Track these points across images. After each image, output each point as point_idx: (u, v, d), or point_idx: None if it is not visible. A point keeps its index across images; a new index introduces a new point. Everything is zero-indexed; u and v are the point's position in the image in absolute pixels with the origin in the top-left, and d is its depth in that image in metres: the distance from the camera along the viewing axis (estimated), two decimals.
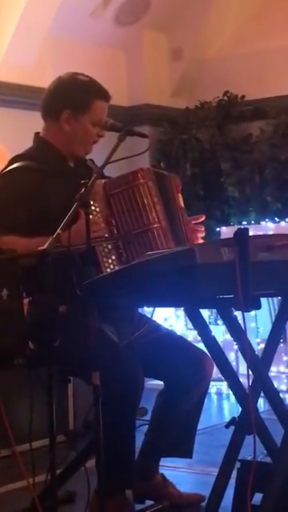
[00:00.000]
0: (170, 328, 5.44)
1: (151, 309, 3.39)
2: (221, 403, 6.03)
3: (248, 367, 2.77)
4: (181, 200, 3.28)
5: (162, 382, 3.47)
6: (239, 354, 5.59)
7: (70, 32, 7.43)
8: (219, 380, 5.54)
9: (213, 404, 5.93)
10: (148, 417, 3.54)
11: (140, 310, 3.55)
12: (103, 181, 3.16)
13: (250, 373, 2.80)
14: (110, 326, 3.16)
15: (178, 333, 4.97)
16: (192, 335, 5.71)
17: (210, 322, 5.72)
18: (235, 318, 2.87)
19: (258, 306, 2.58)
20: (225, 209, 7.71)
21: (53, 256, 2.58)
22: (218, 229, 6.68)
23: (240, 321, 2.77)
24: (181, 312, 6.43)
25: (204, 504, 3.16)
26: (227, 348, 5.67)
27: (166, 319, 6.56)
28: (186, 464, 4.01)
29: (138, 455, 3.40)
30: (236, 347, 5.76)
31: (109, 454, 2.73)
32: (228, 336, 5.68)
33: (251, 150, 7.71)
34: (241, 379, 2.99)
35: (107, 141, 3.28)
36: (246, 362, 2.79)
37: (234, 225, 7.25)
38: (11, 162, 3.32)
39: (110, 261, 3.07)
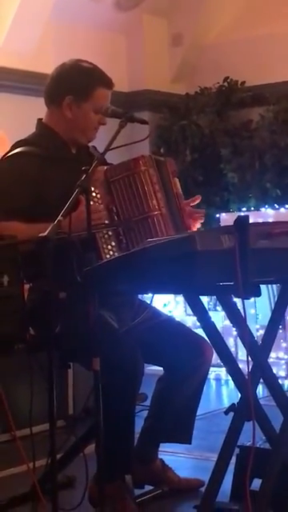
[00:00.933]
0: (169, 314, 5.46)
1: (150, 295, 3.40)
2: (219, 389, 6.05)
3: (248, 354, 2.78)
4: (178, 185, 3.28)
5: (161, 368, 3.49)
6: (238, 339, 5.60)
7: (71, 17, 7.40)
8: (218, 366, 5.57)
9: (211, 390, 5.95)
10: (148, 402, 3.55)
11: (140, 296, 3.56)
12: (104, 167, 3.16)
13: (250, 359, 2.81)
14: (110, 312, 3.17)
15: (177, 319, 4.98)
16: (191, 321, 5.73)
17: (209, 309, 5.72)
18: (234, 304, 2.88)
19: (258, 294, 2.58)
20: (224, 195, 7.69)
21: (54, 242, 2.58)
22: (217, 215, 6.68)
23: (240, 308, 2.78)
24: (180, 298, 6.44)
25: (203, 489, 3.18)
26: (226, 334, 5.68)
27: (165, 305, 6.58)
28: (184, 449, 4.03)
29: (138, 440, 3.42)
30: (235, 333, 5.78)
31: (108, 439, 2.74)
32: (227, 322, 5.70)
33: (251, 136, 7.69)
34: (240, 365, 3.00)
35: (108, 127, 3.28)
36: (245, 349, 2.79)
37: (233, 211, 7.24)
38: (13, 147, 3.32)
39: (109, 247, 3.07)
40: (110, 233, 3.10)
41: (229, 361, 3.03)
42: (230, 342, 5.89)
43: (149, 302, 3.42)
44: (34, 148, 3.27)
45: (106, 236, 3.09)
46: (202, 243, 2.48)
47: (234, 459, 3.07)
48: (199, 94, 8.04)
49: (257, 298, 2.73)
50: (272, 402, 3.04)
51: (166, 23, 8.37)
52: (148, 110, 7.93)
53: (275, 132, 7.45)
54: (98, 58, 3.46)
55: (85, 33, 7.61)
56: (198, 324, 3.09)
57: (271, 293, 5.81)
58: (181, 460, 4.02)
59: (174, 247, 2.54)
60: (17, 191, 3.19)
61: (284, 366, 6.05)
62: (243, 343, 2.81)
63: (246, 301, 2.61)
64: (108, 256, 3.04)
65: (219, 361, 3.16)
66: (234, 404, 2.90)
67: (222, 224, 6.38)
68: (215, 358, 3.34)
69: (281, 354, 6.04)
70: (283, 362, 6.05)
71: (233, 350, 5.79)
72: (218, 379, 6.18)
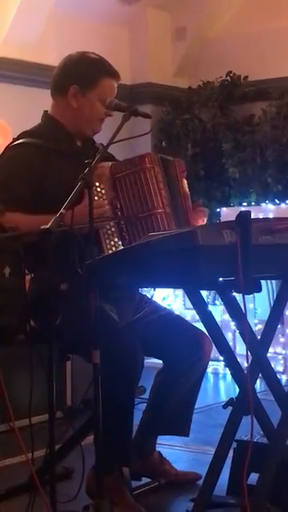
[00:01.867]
0: (168, 307, 5.47)
1: (151, 289, 3.40)
2: (217, 383, 6.06)
3: (247, 349, 2.79)
4: (185, 185, 3.28)
5: (160, 361, 3.50)
6: (237, 334, 5.61)
7: (74, 8, 7.39)
8: (216, 360, 5.58)
9: (209, 384, 5.96)
10: (146, 395, 3.56)
11: (140, 290, 3.56)
12: (110, 163, 3.16)
13: (248, 353, 2.82)
14: (111, 305, 3.17)
15: (176, 312, 4.99)
16: (190, 315, 5.73)
17: (208, 303, 5.73)
18: (234, 299, 2.88)
19: (259, 289, 2.59)
20: (225, 190, 7.70)
21: (56, 235, 2.58)
22: (218, 209, 6.69)
23: (240, 302, 2.78)
24: (179, 291, 6.44)
25: (200, 482, 3.19)
26: (225, 328, 5.69)
27: (164, 298, 6.58)
28: (182, 442, 4.04)
29: (136, 433, 3.43)
30: (234, 328, 5.79)
31: (107, 431, 2.75)
32: (226, 316, 5.71)
33: (253, 131, 7.69)
34: (238, 359, 3.01)
35: (111, 120, 3.28)
36: (245, 344, 2.80)
37: (234, 206, 7.25)
38: (17, 138, 3.32)
39: (112, 243, 3.08)
40: (113, 229, 3.10)
41: (228, 355, 3.03)
42: (229, 336, 5.89)
43: (150, 297, 3.42)
44: (39, 139, 3.26)
45: (109, 232, 3.09)
46: (204, 238, 2.48)
47: (231, 453, 3.08)
48: (202, 88, 8.04)
49: (255, 293, 2.73)
50: (270, 397, 3.05)
51: (170, 17, 8.37)
52: (150, 103, 7.93)
53: (277, 127, 7.45)
54: (101, 51, 3.45)
55: (88, 25, 7.60)
56: (197, 318, 3.09)
57: (270, 288, 5.83)
58: (178, 453, 4.03)
59: (175, 241, 2.55)
60: (19, 182, 3.18)
61: (282, 361, 6.06)
62: (243, 338, 2.81)
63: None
64: (110, 251, 3.04)
65: (217, 355, 3.16)
66: (232, 398, 2.90)
67: (223, 218, 6.39)
68: (213, 352, 3.35)
69: (279, 349, 6.06)
70: (281, 356, 6.06)
71: (231, 344, 5.79)
72: (215, 373, 6.20)
